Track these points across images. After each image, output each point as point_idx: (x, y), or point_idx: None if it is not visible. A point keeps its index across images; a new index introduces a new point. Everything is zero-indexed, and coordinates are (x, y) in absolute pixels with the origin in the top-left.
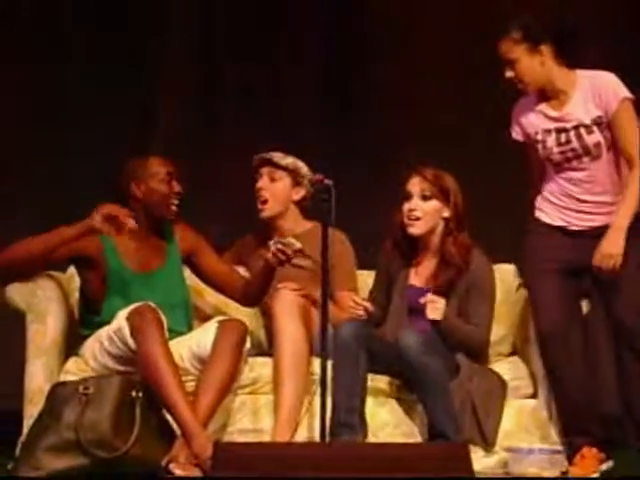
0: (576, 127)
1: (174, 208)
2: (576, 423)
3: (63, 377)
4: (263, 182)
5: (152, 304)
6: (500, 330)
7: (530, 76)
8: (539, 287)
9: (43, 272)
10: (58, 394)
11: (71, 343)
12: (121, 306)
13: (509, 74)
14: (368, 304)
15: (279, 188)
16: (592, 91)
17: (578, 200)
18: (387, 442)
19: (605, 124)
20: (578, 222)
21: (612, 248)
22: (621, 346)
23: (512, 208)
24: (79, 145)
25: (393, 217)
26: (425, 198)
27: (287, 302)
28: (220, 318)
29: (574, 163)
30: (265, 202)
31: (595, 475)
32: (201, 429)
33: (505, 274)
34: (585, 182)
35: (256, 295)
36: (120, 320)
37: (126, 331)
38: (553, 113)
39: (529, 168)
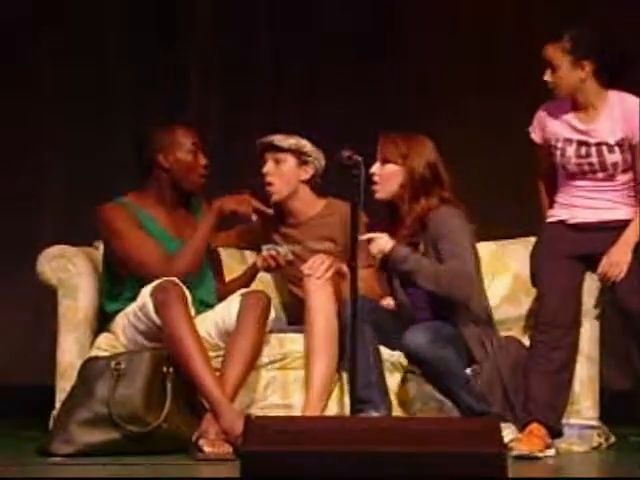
0: (599, 144)
1: (202, 180)
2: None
3: (94, 353)
4: (268, 167)
5: (176, 279)
6: (530, 303)
7: (566, 86)
8: (546, 275)
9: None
10: (90, 369)
11: (102, 319)
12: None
13: (547, 77)
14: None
15: (285, 170)
16: (621, 113)
17: (585, 198)
18: (416, 416)
19: (627, 146)
20: (584, 215)
21: (620, 257)
22: (627, 332)
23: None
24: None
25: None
26: (383, 162)
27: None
28: (243, 291)
29: (588, 175)
30: (271, 185)
31: (540, 455)
32: (229, 405)
33: None
34: (593, 190)
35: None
36: (144, 296)
37: (150, 307)
38: (579, 125)
39: (540, 170)
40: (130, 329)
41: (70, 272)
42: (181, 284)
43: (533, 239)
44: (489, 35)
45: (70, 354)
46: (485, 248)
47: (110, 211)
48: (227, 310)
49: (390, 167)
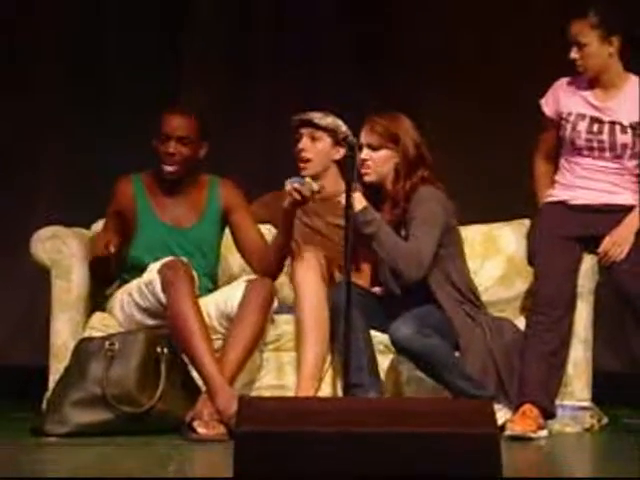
0: (612, 123)
1: (168, 169)
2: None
3: (88, 333)
4: (304, 143)
5: (185, 259)
6: (524, 285)
7: (595, 62)
8: (544, 257)
9: (72, 229)
10: (84, 349)
11: (95, 299)
12: (147, 261)
13: (574, 55)
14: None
15: (320, 148)
16: None
17: (588, 179)
18: (410, 397)
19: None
20: (586, 197)
21: (623, 238)
22: (624, 311)
23: None
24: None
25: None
26: (374, 148)
27: (308, 260)
28: (248, 277)
29: (595, 153)
30: (308, 161)
31: (533, 435)
32: (226, 384)
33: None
34: (597, 171)
35: (271, 261)
36: (152, 273)
37: (157, 284)
38: (595, 102)
39: (540, 147)
40: (130, 305)
41: (63, 253)
42: (189, 264)
43: (526, 221)
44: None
45: (64, 335)
46: (478, 230)
47: (115, 184)
48: (231, 294)
49: (383, 152)
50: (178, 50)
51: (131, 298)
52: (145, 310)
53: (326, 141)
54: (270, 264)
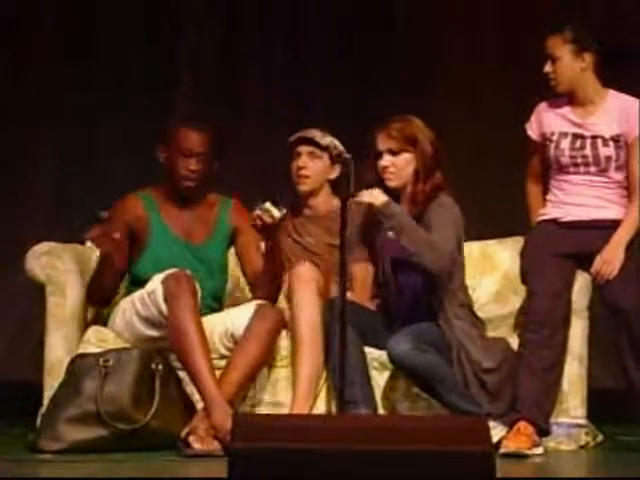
0: (594, 137)
1: (188, 184)
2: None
3: (83, 347)
4: (304, 161)
5: (189, 272)
6: (519, 303)
7: (566, 76)
8: (536, 274)
9: (67, 245)
10: (78, 366)
11: (90, 315)
12: (152, 268)
13: (547, 69)
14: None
15: (319, 167)
16: (620, 112)
17: (577, 195)
18: (404, 415)
19: (622, 143)
20: (576, 213)
21: (612, 256)
22: (617, 328)
23: None
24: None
25: (363, 177)
26: (394, 153)
27: (304, 275)
28: (260, 302)
29: (581, 169)
30: (307, 177)
31: (527, 453)
32: (223, 401)
33: None
34: (585, 187)
35: (263, 280)
36: (155, 283)
37: (160, 294)
38: (576, 119)
39: (530, 169)
40: (131, 313)
41: (58, 269)
42: (193, 277)
43: (521, 238)
44: None
45: (58, 351)
46: (474, 247)
47: (117, 203)
48: (239, 316)
49: (403, 156)
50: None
51: (133, 306)
52: (146, 319)
53: (324, 160)
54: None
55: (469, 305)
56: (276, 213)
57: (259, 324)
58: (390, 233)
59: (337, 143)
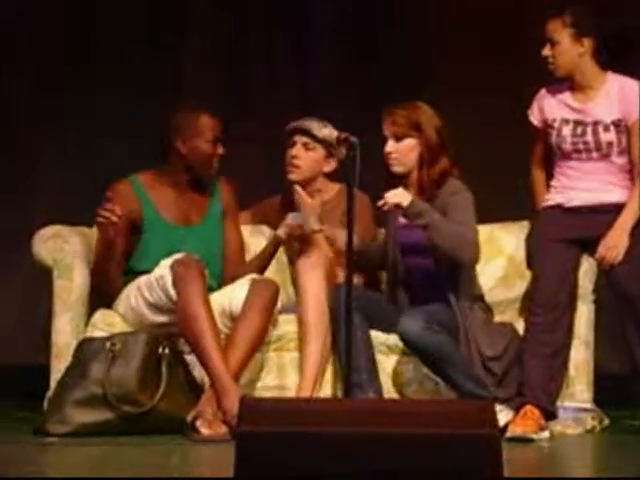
0: (595, 123)
1: (213, 171)
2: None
3: (90, 330)
4: (297, 150)
5: (197, 256)
6: (525, 287)
7: (564, 60)
8: (541, 259)
9: (74, 228)
10: (85, 350)
11: (97, 298)
12: (154, 259)
13: (546, 52)
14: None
15: (313, 158)
16: (619, 95)
17: (581, 180)
18: (411, 398)
19: (623, 127)
20: (580, 198)
21: (617, 241)
22: (623, 314)
23: None
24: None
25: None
26: (398, 138)
27: (311, 259)
28: (252, 276)
29: (583, 155)
30: (297, 167)
31: (534, 437)
32: (234, 385)
33: None
34: (588, 172)
35: (244, 274)
36: (163, 268)
37: (168, 279)
38: (576, 105)
39: (534, 154)
40: (137, 299)
41: (65, 252)
42: (202, 261)
43: (527, 222)
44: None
45: (65, 334)
46: (480, 231)
47: (110, 189)
48: (235, 294)
49: (407, 142)
50: (177, 53)
51: (139, 293)
52: (152, 305)
53: (319, 152)
54: (241, 276)
55: (479, 291)
56: (316, 226)
57: (255, 300)
58: (401, 218)
59: (336, 134)
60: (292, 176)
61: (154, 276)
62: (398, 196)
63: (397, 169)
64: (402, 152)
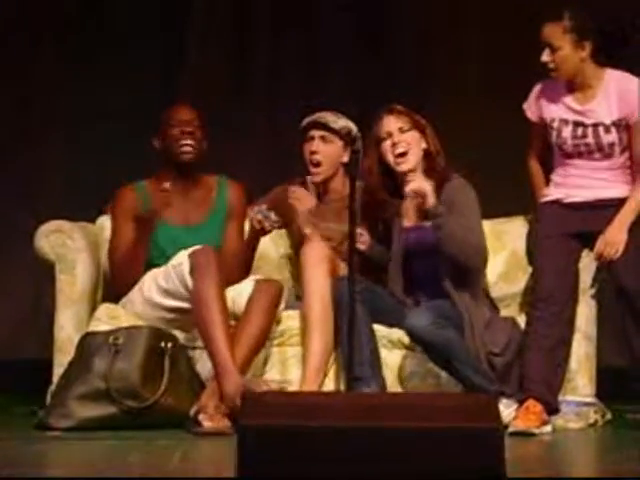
0: (595, 125)
1: (187, 148)
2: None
3: (94, 324)
4: (316, 145)
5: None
6: (527, 280)
7: (566, 66)
8: (542, 253)
9: (77, 223)
10: (88, 344)
11: (100, 293)
12: (156, 259)
13: (546, 58)
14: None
15: (332, 151)
16: (618, 93)
17: (581, 178)
18: (413, 392)
19: (624, 126)
20: (580, 194)
21: (615, 237)
22: (623, 308)
23: None
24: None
25: (364, 166)
26: (404, 131)
27: (315, 253)
28: (257, 277)
29: (585, 156)
30: (318, 165)
31: (536, 431)
32: (236, 370)
33: None
34: (589, 171)
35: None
36: (181, 257)
37: (186, 266)
38: (575, 106)
39: (531, 147)
40: (150, 289)
41: (68, 247)
42: (220, 255)
43: (530, 217)
44: None
45: (68, 329)
46: (482, 225)
47: (117, 194)
48: (238, 293)
49: (413, 133)
50: (179, 50)
51: (154, 282)
52: (165, 291)
53: (337, 144)
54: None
55: (485, 287)
56: (275, 225)
57: (259, 300)
58: (405, 222)
59: (351, 125)
60: (316, 178)
61: (171, 264)
62: (429, 190)
63: (406, 166)
64: (411, 143)
